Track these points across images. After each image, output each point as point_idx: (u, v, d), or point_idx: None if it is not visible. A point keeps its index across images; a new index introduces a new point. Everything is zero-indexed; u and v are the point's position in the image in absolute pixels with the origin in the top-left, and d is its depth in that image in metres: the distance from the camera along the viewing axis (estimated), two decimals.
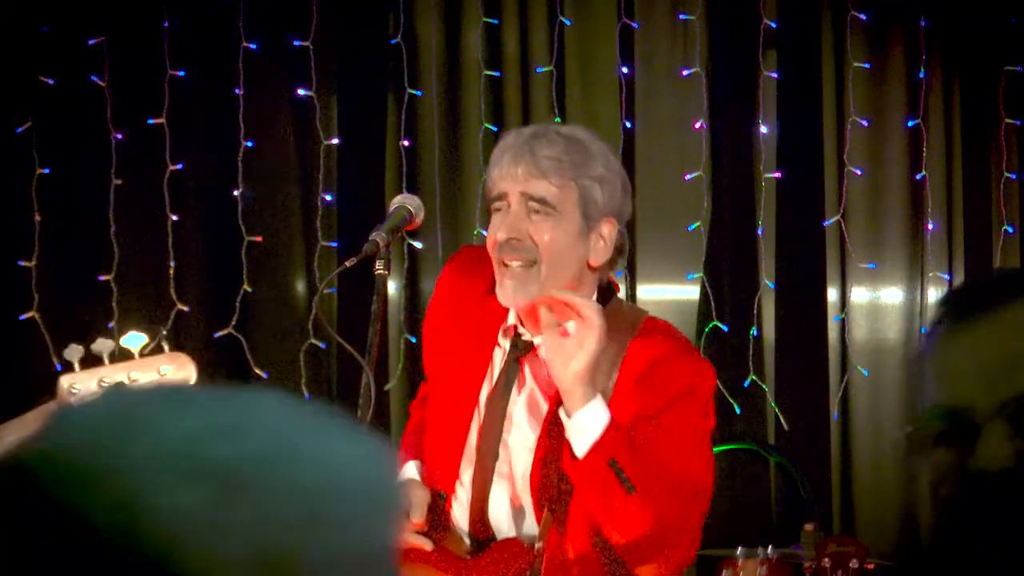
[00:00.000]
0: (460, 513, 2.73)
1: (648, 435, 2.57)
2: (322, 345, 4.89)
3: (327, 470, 0.95)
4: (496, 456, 2.70)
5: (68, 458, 0.90)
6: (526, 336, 2.73)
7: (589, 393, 2.54)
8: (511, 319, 2.76)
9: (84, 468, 0.89)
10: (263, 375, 4.87)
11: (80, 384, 2.76)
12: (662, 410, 2.60)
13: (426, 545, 2.65)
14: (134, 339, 2.73)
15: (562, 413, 2.56)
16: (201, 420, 0.93)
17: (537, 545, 2.61)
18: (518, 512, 2.68)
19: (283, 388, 4.52)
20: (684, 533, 2.55)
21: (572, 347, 2.53)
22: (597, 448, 2.51)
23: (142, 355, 2.74)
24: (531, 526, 2.66)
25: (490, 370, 2.77)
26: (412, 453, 2.85)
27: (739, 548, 3.50)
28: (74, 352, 2.74)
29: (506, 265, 2.65)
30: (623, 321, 2.69)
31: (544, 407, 2.69)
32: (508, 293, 2.65)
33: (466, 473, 2.73)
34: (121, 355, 2.73)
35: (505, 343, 2.76)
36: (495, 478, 2.69)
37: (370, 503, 0.95)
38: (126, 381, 2.75)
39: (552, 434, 2.63)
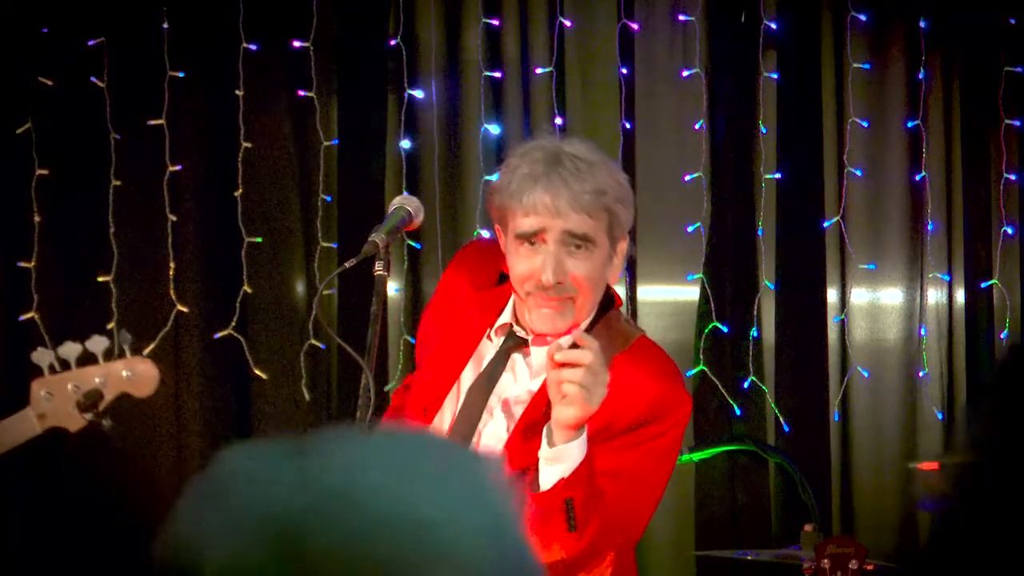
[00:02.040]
0: None
1: (604, 455, 2.59)
2: (322, 346, 4.89)
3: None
4: (468, 443, 2.71)
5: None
6: (519, 333, 2.75)
7: (579, 432, 2.55)
8: (506, 316, 2.78)
9: None
10: (263, 376, 4.87)
11: (52, 389, 2.77)
12: (627, 430, 2.62)
13: None
14: (97, 343, 2.76)
15: (545, 435, 2.58)
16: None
17: None
18: None
19: (283, 389, 4.50)
20: (593, 566, 2.56)
21: (580, 396, 2.51)
22: (562, 486, 2.54)
23: (106, 359, 2.77)
24: None
25: (474, 359, 2.79)
26: None
27: None
28: (43, 356, 2.75)
29: (540, 301, 2.67)
30: (617, 335, 2.72)
31: (521, 408, 2.71)
32: (547, 323, 2.68)
33: None
34: (87, 359, 2.75)
35: (497, 338, 2.78)
36: None
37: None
38: (100, 387, 2.77)
39: (522, 438, 2.65)
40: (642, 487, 2.65)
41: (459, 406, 2.76)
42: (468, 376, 2.78)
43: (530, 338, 2.74)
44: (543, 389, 2.65)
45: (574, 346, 2.52)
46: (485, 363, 2.77)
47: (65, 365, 2.77)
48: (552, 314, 2.66)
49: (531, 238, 2.66)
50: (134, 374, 2.82)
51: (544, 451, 2.57)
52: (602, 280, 2.71)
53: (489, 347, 2.79)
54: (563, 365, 2.51)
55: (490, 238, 2.91)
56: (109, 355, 2.78)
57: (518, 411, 2.71)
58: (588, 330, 2.69)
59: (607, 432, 2.61)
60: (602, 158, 2.74)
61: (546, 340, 2.68)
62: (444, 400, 2.78)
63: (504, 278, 2.76)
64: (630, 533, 2.63)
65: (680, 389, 2.72)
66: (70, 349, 2.76)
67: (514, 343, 2.76)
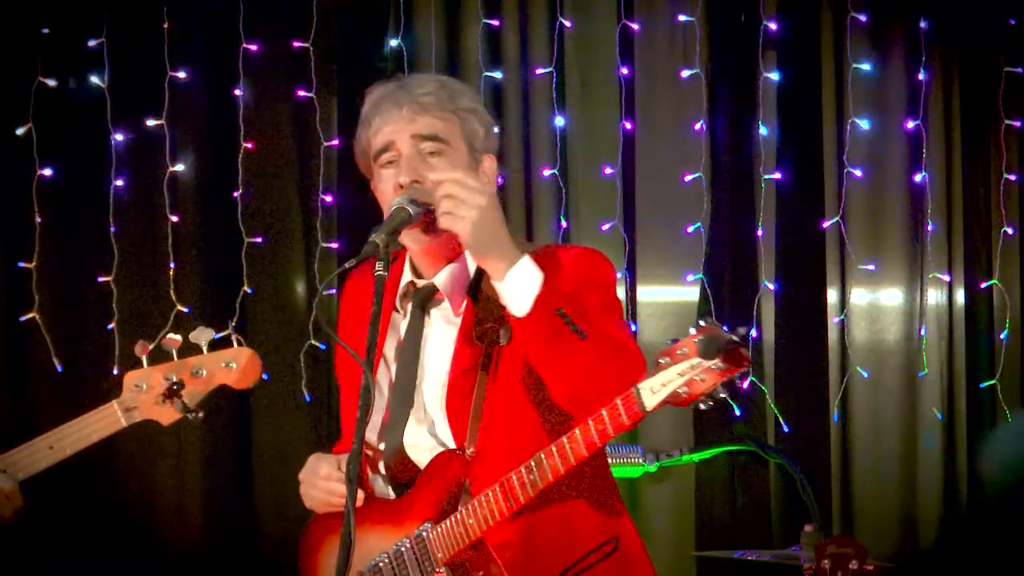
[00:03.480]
0: (371, 470, 2.78)
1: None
2: (322, 346, 4.89)
3: None
4: (411, 401, 2.74)
5: None
6: (422, 283, 2.78)
7: (514, 254, 2.55)
8: (406, 277, 2.80)
9: None
10: (263, 376, 4.87)
11: (145, 381, 2.78)
12: (575, 294, 2.63)
13: (359, 495, 2.69)
14: (202, 333, 2.76)
15: (494, 284, 2.58)
16: None
17: (469, 450, 2.65)
18: (436, 447, 2.71)
19: (283, 389, 4.51)
20: (623, 384, 2.49)
21: (466, 208, 2.53)
22: (541, 300, 2.53)
23: (211, 350, 2.77)
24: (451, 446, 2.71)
25: (391, 331, 2.80)
26: None
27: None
28: (141, 349, 2.75)
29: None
30: (525, 250, 2.72)
31: (450, 347, 2.73)
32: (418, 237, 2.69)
33: (374, 428, 2.77)
34: (189, 350, 2.75)
35: (404, 305, 2.80)
36: (410, 421, 2.73)
37: None
38: (187, 379, 2.77)
39: (464, 351, 2.68)
40: (619, 321, 2.70)
41: (393, 374, 2.78)
42: (391, 349, 2.80)
43: (436, 280, 2.76)
44: (463, 331, 2.70)
45: None
46: (403, 330, 2.78)
47: (165, 356, 2.77)
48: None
49: (386, 153, 2.70)
50: (237, 365, 2.81)
51: (502, 291, 2.56)
52: None
53: (399, 316, 2.81)
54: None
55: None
56: (214, 346, 2.78)
57: (448, 354, 2.73)
58: None
59: (572, 293, 2.61)
60: (454, 80, 2.81)
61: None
62: (376, 376, 2.78)
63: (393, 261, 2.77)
64: (633, 349, 2.62)
65: (596, 253, 2.76)
66: (171, 341, 2.76)
67: (423, 297, 2.77)
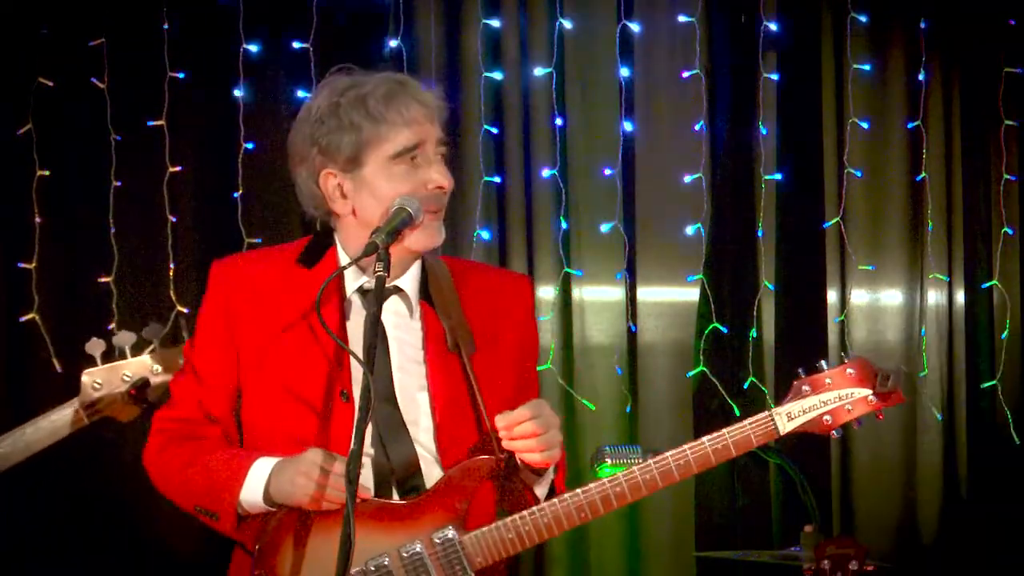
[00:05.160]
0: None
1: (530, 369, 2.88)
2: None
3: None
4: (397, 408, 2.73)
5: None
6: (390, 285, 2.76)
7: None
8: (358, 280, 2.75)
9: None
10: None
11: (102, 379, 2.77)
12: (531, 349, 2.90)
13: (366, 493, 2.69)
14: (153, 330, 2.76)
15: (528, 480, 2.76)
16: None
17: (503, 455, 2.68)
18: (424, 453, 2.74)
19: None
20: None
21: (551, 456, 2.68)
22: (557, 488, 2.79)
23: (163, 346, 2.77)
24: (433, 451, 2.74)
25: (353, 344, 2.72)
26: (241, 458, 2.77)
27: None
28: (96, 347, 2.75)
29: (434, 212, 2.71)
30: (441, 270, 2.83)
31: (419, 353, 2.75)
32: (435, 235, 2.72)
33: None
34: (140, 347, 2.75)
35: (358, 301, 2.76)
36: (402, 418, 2.74)
37: None
38: (151, 376, 2.77)
39: (440, 360, 2.73)
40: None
41: (365, 383, 2.73)
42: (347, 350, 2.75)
43: (398, 283, 2.76)
44: (431, 337, 2.74)
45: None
46: (359, 333, 2.67)
47: (119, 354, 2.76)
48: (438, 224, 2.72)
49: (410, 152, 2.69)
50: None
51: (538, 483, 2.74)
52: None
53: (350, 311, 2.77)
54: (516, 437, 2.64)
55: (224, 258, 2.88)
56: (165, 342, 2.78)
57: (417, 353, 2.76)
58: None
59: (519, 344, 2.82)
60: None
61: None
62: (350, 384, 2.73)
63: (312, 262, 2.76)
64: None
65: (517, 277, 3.07)
66: (124, 338, 2.75)
67: (385, 293, 2.71)
